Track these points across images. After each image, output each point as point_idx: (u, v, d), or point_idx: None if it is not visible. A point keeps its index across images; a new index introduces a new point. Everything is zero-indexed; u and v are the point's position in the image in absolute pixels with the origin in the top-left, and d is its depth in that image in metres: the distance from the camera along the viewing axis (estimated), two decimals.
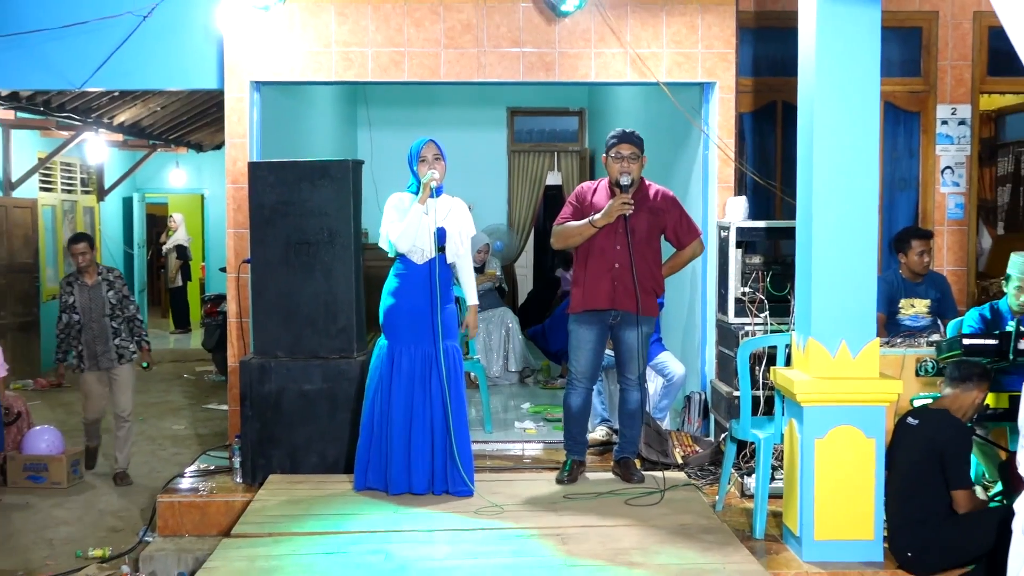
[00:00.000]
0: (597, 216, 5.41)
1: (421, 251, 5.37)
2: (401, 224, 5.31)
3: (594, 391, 6.43)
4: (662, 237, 5.68)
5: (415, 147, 5.43)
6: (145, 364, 7.44)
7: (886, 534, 4.71)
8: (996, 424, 5.16)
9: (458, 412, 5.39)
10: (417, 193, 5.35)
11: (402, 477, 5.36)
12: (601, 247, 5.48)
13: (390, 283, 5.47)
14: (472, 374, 7.23)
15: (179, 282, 15.61)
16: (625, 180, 5.39)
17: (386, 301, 5.45)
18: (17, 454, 7.18)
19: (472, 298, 5.68)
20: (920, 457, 4.51)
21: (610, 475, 5.78)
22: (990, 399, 4.87)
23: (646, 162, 5.54)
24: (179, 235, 15.70)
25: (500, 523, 4.97)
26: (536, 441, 6.76)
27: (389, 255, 5.51)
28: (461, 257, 5.55)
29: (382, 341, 5.49)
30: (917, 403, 5.17)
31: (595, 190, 5.61)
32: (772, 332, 5.69)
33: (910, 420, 4.66)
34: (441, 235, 5.36)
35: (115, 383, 7.10)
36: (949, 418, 4.56)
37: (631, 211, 5.35)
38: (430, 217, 5.32)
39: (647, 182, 5.61)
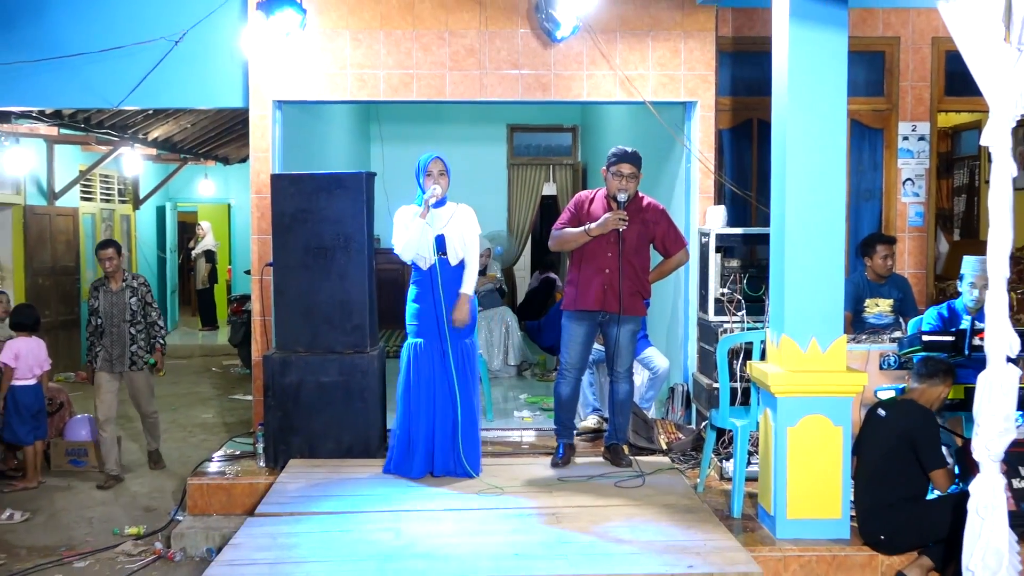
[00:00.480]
0: (593, 226, 5.41)
1: (424, 259, 5.40)
2: (404, 237, 5.34)
3: (586, 383, 6.45)
4: (651, 245, 5.68)
5: (423, 162, 5.43)
6: (152, 362, 6.90)
7: (853, 515, 4.71)
8: (953, 413, 5.15)
9: (467, 401, 5.40)
10: (422, 205, 5.37)
11: (425, 461, 5.40)
12: (594, 253, 5.48)
13: (410, 290, 5.51)
14: None
15: (207, 284, 15.63)
16: (622, 196, 5.40)
17: (409, 307, 5.50)
18: (60, 440, 7.20)
19: (466, 289, 5.46)
20: (892, 446, 4.50)
21: (600, 459, 5.78)
22: None
23: (641, 178, 5.55)
24: (207, 241, 15.73)
25: (500, 503, 4.98)
26: (533, 428, 6.77)
27: (406, 264, 5.53)
28: (467, 255, 5.54)
29: (409, 340, 5.53)
30: (881, 394, 5.17)
31: (592, 199, 5.61)
32: (749, 329, 5.69)
33: (880, 412, 4.66)
34: (440, 241, 5.37)
35: (133, 388, 6.86)
36: (916, 406, 4.55)
37: (625, 227, 5.37)
38: (431, 228, 5.34)
39: (640, 194, 5.61)
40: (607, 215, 5.39)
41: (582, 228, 5.46)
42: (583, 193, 5.73)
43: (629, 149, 5.51)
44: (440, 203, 5.41)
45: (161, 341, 6.88)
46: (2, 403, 6.61)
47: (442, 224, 5.39)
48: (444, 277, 5.37)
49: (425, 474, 5.39)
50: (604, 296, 5.47)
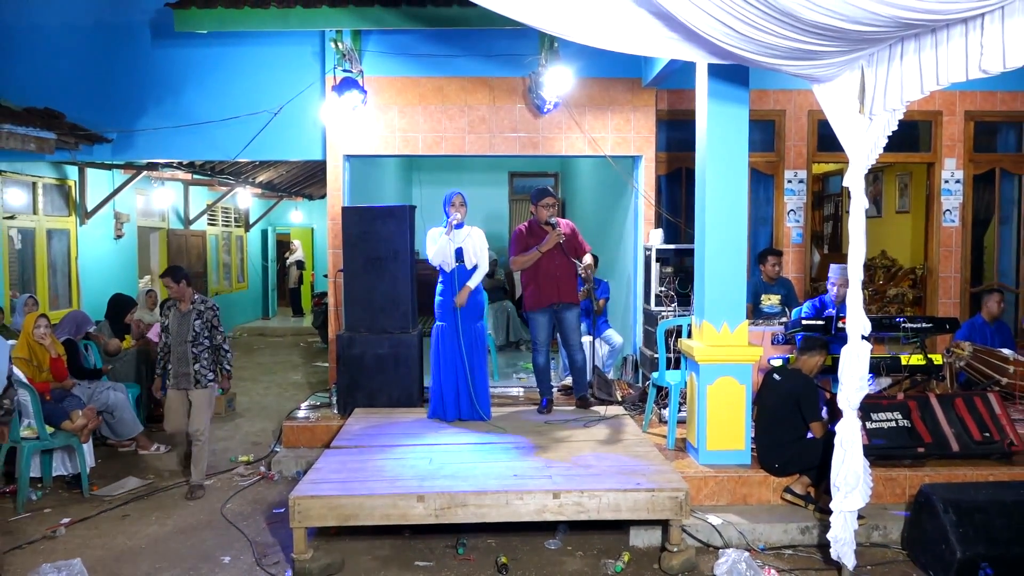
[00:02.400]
0: (542, 246, 5.43)
1: (448, 263, 5.38)
2: (434, 248, 5.35)
3: (564, 354, 6.43)
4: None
5: (448, 196, 5.43)
6: (221, 391, 5.39)
7: (754, 447, 4.70)
8: (824, 375, 5.15)
9: (480, 367, 5.39)
10: (445, 224, 5.36)
11: (454, 408, 5.40)
12: (546, 264, 5.48)
13: (438, 287, 5.48)
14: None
15: (297, 284, 15.67)
16: (553, 220, 5.43)
17: (437, 298, 5.47)
18: None
19: (470, 283, 5.41)
20: (783, 402, 4.49)
21: (574, 408, 5.77)
22: None
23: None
24: (298, 254, 15.77)
25: (504, 439, 4.97)
26: (527, 387, 6.75)
27: (435, 268, 5.51)
28: (480, 261, 5.48)
29: (436, 323, 5.49)
30: (773, 362, 5.16)
31: (528, 229, 5.58)
32: (679, 316, 5.69)
33: (775, 376, 4.63)
34: (459, 252, 5.36)
35: (192, 404, 5.16)
36: (801, 375, 4.54)
37: (563, 240, 5.40)
38: (453, 242, 5.33)
39: (558, 218, 5.58)
40: (549, 236, 5.41)
41: (534, 249, 5.45)
42: (519, 228, 5.66)
43: (548, 187, 5.56)
44: (459, 225, 5.40)
45: (227, 367, 5.26)
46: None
47: (461, 240, 5.38)
48: (461, 277, 5.37)
49: (455, 418, 5.38)
50: (558, 292, 5.48)
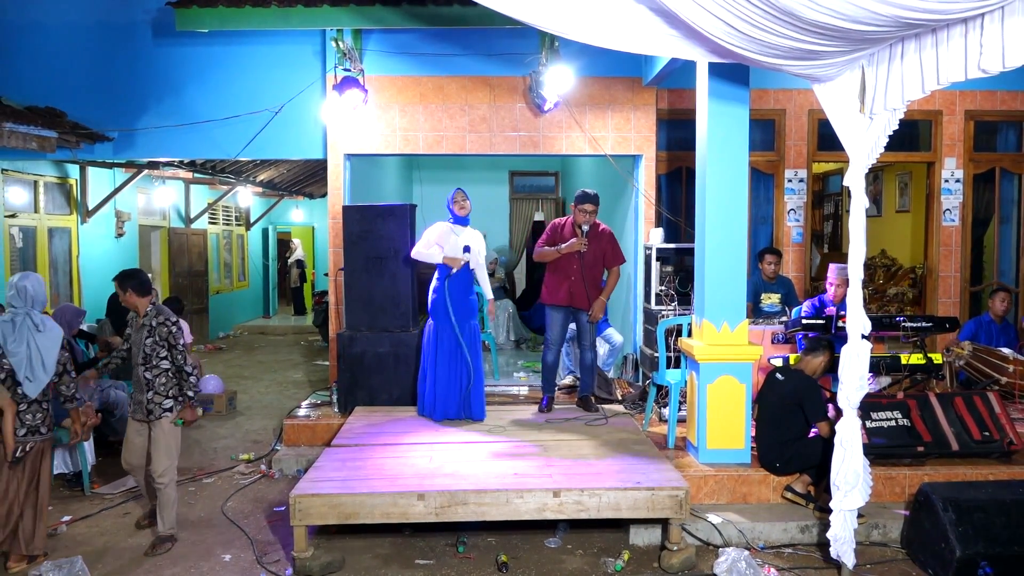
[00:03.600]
0: (563, 247, 5.39)
1: (456, 261, 5.34)
2: (447, 244, 5.31)
3: (563, 352, 6.43)
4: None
5: (453, 193, 5.42)
6: (180, 422, 4.25)
7: (754, 446, 4.69)
8: (824, 374, 5.14)
9: (476, 365, 5.38)
10: (454, 222, 5.33)
11: (443, 407, 5.37)
12: (563, 266, 5.45)
13: (434, 284, 5.45)
14: (487, 342, 7.22)
15: (298, 283, 15.67)
16: (585, 228, 5.38)
17: (432, 296, 5.44)
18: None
19: (489, 294, 5.63)
20: (786, 402, 4.48)
21: (575, 407, 5.77)
22: None
23: (598, 211, 5.50)
24: (298, 253, 15.77)
25: (503, 438, 4.97)
26: (527, 385, 6.74)
27: (432, 264, 5.48)
28: (479, 267, 5.52)
29: (429, 321, 5.48)
30: (773, 361, 5.17)
31: (564, 225, 5.57)
32: (679, 315, 5.68)
33: (778, 376, 4.62)
34: (467, 250, 5.34)
35: (151, 441, 4.21)
36: (803, 375, 4.52)
37: (584, 249, 5.34)
38: (461, 239, 5.32)
39: (597, 222, 5.54)
40: (572, 240, 5.37)
41: (555, 248, 5.43)
42: (557, 220, 5.66)
43: (591, 192, 5.47)
44: (466, 222, 5.39)
45: (190, 393, 4.25)
46: None
47: (467, 238, 5.37)
48: (469, 277, 5.36)
49: (444, 418, 5.36)
50: (570, 295, 5.45)
